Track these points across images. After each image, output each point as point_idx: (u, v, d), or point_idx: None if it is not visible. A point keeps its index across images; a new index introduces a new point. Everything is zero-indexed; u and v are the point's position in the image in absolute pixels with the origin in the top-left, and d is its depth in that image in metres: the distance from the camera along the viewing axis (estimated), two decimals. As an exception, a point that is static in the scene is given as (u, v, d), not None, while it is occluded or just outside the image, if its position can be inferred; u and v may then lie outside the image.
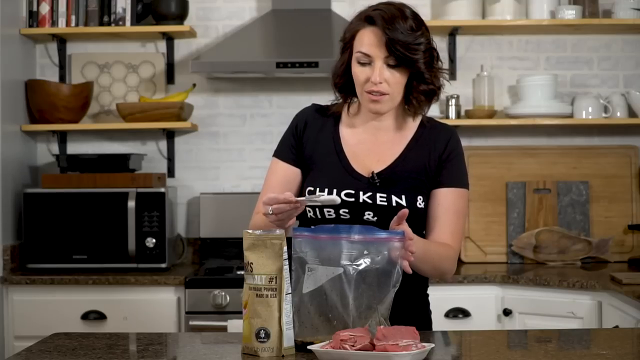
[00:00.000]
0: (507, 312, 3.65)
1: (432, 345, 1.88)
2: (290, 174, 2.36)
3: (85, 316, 3.75)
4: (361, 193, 2.26)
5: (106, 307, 3.76)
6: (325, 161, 2.32)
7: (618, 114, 4.17)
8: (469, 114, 4.21)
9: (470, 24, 4.15)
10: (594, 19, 4.14)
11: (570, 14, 4.11)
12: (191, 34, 4.29)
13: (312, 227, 2.07)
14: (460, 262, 4.15)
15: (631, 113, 4.19)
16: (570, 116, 4.16)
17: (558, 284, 3.55)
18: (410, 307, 2.28)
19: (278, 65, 3.94)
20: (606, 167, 4.22)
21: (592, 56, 4.35)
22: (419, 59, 2.20)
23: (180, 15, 4.21)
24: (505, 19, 4.14)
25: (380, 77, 2.20)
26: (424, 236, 2.32)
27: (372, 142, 2.33)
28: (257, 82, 4.37)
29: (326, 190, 2.26)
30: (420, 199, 2.27)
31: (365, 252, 1.98)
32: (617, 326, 3.17)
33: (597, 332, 2.61)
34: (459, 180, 2.32)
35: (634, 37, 4.32)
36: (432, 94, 2.27)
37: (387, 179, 2.28)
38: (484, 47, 4.35)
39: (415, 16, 2.22)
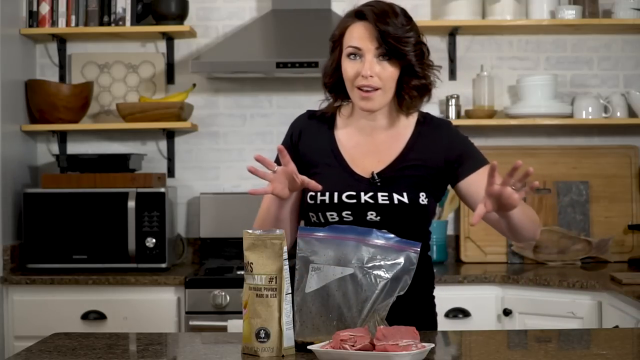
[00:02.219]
0: (507, 312, 3.65)
1: (432, 345, 1.88)
2: None
3: (85, 316, 3.75)
4: (362, 194, 2.25)
5: (106, 307, 3.76)
6: (324, 166, 2.30)
7: (618, 114, 4.17)
8: (468, 114, 4.21)
9: (470, 24, 4.14)
10: (594, 19, 4.14)
11: (570, 14, 4.10)
12: (191, 34, 4.29)
13: (327, 226, 2.07)
14: (460, 262, 4.16)
15: (631, 113, 4.19)
16: (570, 116, 4.16)
17: (558, 284, 3.55)
18: (416, 309, 2.29)
19: (278, 65, 3.94)
20: (606, 167, 4.22)
21: (592, 56, 4.35)
22: (409, 51, 2.21)
23: (180, 15, 4.21)
24: (505, 19, 4.14)
25: (371, 71, 2.20)
26: (425, 233, 2.32)
27: (370, 143, 2.32)
28: (257, 82, 4.37)
29: (327, 194, 2.25)
30: (422, 195, 2.26)
31: (379, 256, 1.98)
32: (617, 326, 3.17)
33: (597, 332, 2.61)
34: (482, 160, 2.32)
35: (634, 37, 4.32)
36: (424, 89, 2.28)
37: (388, 178, 2.27)
38: (484, 47, 4.35)
39: (405, 13, 2.26)
